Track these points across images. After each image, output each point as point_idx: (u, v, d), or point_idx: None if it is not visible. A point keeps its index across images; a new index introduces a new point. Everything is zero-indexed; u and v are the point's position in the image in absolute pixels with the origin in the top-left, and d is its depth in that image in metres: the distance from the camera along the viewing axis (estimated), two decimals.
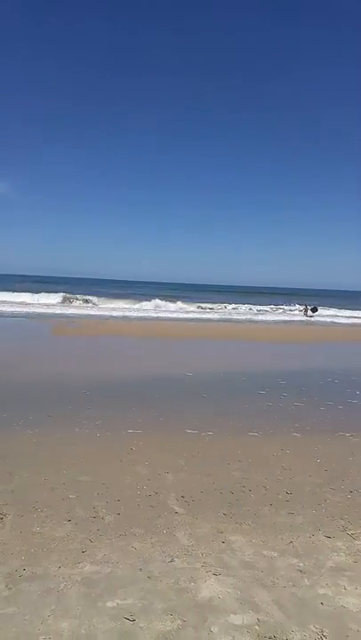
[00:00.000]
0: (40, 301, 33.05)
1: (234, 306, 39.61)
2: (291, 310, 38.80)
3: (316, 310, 37.12)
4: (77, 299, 37.06)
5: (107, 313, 28.77)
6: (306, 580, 3.28)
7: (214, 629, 2.73)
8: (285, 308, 39.97)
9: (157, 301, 36.15)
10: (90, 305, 34.90)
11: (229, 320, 29.91)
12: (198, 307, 37.32)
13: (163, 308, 34.21)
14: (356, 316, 38.24)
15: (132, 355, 14.39)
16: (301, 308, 38.22)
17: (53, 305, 32.58)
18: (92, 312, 28.96)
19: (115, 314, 28.53)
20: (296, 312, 37.78)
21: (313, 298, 52.53)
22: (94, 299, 37.24)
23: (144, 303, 35.82)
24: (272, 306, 40.83)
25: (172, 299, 39.19)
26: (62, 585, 3.10)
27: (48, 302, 33.29)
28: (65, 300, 35.69)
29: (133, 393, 8.89)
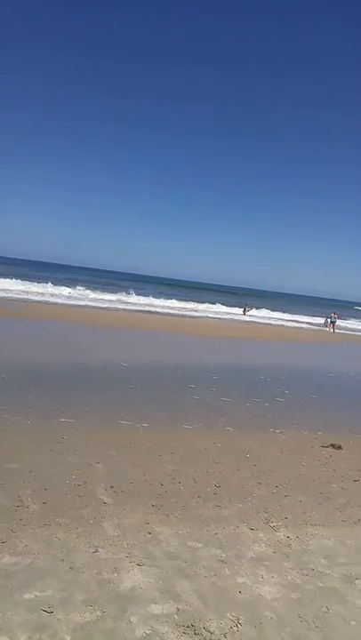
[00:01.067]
0: None
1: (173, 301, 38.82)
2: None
3: (251, 309, 38.12)
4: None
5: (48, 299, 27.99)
6: (227, 570, 3.36)
7: (133, 619, 2.74)
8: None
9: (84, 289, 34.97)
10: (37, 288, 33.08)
11: (167, 313, 30.02)
12: (118, 297, 35.72)
13: (89, 296, 33.03)
14: (298, 319, 39.42)
15: (67, 341, 14.13)
16: (242, 307, 39.06)
17: None
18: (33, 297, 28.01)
19: (58, 300, 27.82)
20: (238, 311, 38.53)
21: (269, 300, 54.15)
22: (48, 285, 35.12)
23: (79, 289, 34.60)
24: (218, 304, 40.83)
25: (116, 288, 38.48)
26: None
27: None
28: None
29: (68, 381, 8.75)
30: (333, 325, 33.48)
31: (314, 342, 24.30)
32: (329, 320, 34.10)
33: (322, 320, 37.72)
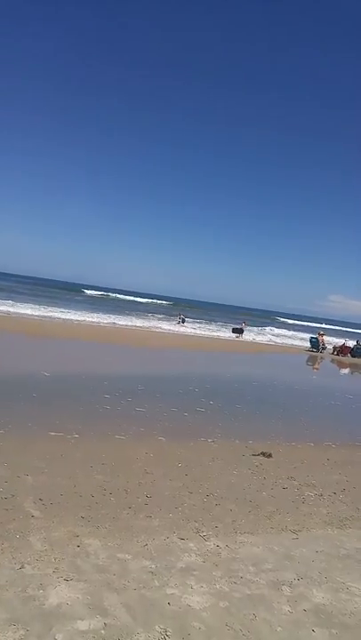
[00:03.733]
0: None
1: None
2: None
3: (184, 321, 38.45)
4: None
5: None
6: (156, 582, 3.34)
7: (59, 637, 2.66)
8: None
9: None
10: None
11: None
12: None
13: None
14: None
15: None
16: (177, 318, 39.46)
17: None
18: None
19: None
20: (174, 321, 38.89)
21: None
22: None
23: None
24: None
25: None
26: None
27: None
28: None
29: None
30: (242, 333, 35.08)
31: (240, 351, 24.92)
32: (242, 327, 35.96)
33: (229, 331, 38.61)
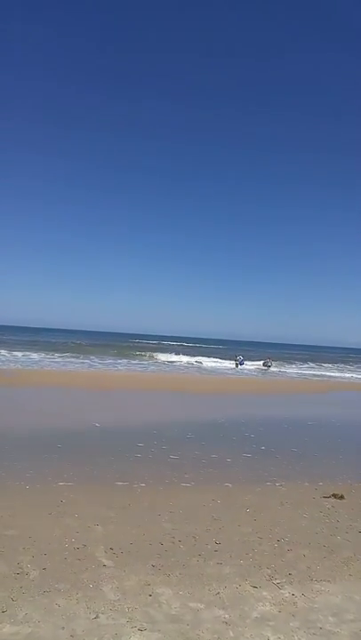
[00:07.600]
0: None
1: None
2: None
3: (243, 363, 38.28)
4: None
5: None
6: (231, 632, 3.28)
7: None
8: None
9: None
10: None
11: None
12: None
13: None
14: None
15: (41, 404, 14.08)
16: (232, 360, 39.40)
17: None
18: None
19: None
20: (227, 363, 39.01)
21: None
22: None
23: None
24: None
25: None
26: None
27: None
28: None
29: (51, 444, 8.63)
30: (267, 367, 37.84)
31: (300, 392, 24.21)
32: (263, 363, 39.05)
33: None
